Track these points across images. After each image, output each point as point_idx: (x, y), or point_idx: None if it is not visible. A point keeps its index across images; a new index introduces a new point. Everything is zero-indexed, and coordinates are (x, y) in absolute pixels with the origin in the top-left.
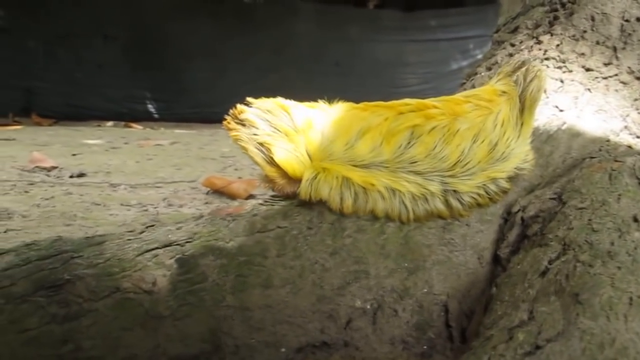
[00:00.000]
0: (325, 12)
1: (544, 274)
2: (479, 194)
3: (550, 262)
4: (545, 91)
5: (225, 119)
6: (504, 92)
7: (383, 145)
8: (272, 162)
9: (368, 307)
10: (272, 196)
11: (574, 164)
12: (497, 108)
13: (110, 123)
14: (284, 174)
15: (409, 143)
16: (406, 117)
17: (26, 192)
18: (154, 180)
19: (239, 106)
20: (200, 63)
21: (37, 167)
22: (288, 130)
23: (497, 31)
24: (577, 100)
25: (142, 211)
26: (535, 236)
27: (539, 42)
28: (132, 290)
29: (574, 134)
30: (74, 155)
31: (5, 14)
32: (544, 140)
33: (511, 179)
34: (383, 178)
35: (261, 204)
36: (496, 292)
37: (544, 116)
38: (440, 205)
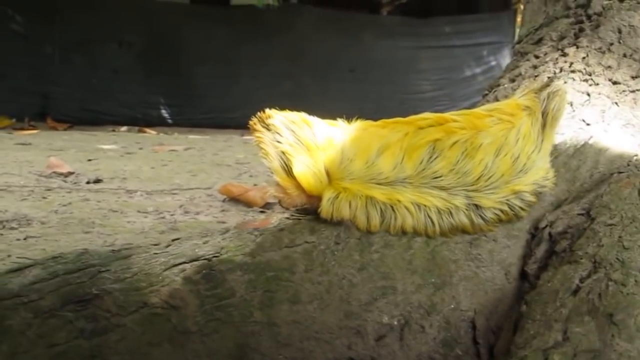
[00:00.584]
0: (339, 19)
1: (575, 292)
2: (502, 210)
3: (581, 280)
4: (571, 104)
5: (252, 120)
6: (527, 107)
7: (405, 161)
8: (289, 172)
9: (395, 323)
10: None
11: (601, 179)
12: (519, 122)
13: (124, 128)
14: (298, 186)
15: (430, 158)
16: (426, 131)
17: (44, 197)
18: (170, 186)
19: (268, 111)
20: (214, 69)
21: (54, 172)
22: (310, 145)
23: (519, 42)
24: (604, 113)
25: (159, 218)
26: (564, 253)
27: (565, 55)
28: (159, 306)
29: (602, 148)
30: (89, 160)
31: (23, 20)
32: (570, 155)
33: (535, 194)
34: (408, 194)
35: (287, 218)
36: (527, 310)
37: (571, 130)
38: (464, 219)
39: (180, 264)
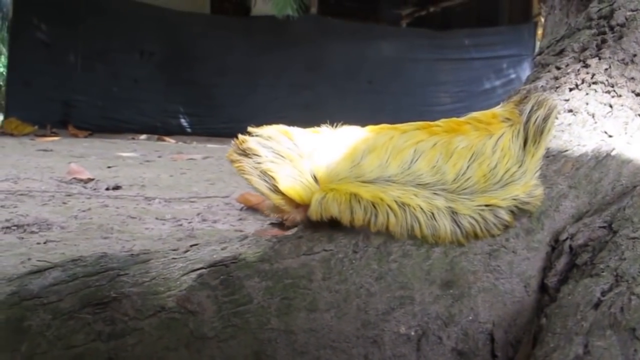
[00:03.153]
0: (358, 30)
1: (597, 306)
2: (476, 220)
3: (602, 294)
4: (593, 116)
5: (228, 153)
6: (507, 118)
7: (389, 162)
8: (277, 190)
9: (412, 333)
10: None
11: (624, 192)
12: (497, 132)
13: (143, 136)
14: (291, 201)
15: (413, 159)
16: (411, 134)
17: (64, 203)
18: (188, 194)
19: (241, 136)
20: (233, 79)
21: (74, 178)
22: (291, 156)
23: (540, 53)
24: (627, 125)
25: (176, 226)
26: (586, 266)
27: (587, 66)
28: (177, 310)
29: (624, 161)
30: (109, 167)
31: (48, 30)
32: (592, 167)
33: (513, 213)
34: (391, 192)
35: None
36: (547, 323)
37: (593, 142)
38: (446, 223)
39: (198, 269)
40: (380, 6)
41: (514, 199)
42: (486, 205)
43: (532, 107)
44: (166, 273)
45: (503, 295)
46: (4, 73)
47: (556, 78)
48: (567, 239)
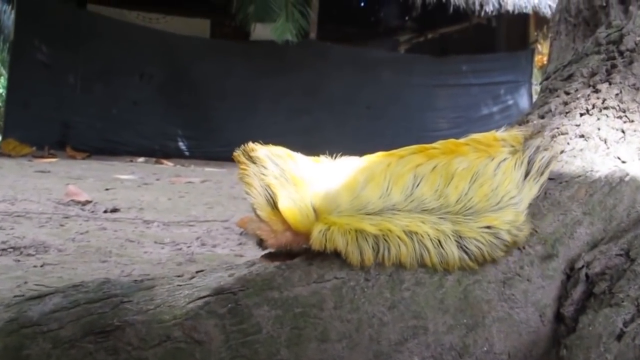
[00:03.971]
0: (357, 56)
1: (620, 337)
2: (482, 243)
3: (625, 325)
4: (605, 141)
5: (236, 152)
6: (508, 143)
7: (391, 189)
8: (274, 206)
9: None
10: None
11: (639, 218)
12: (498, 155)
13: (141, 159)
14: (283, 222)
15: (414, 183)
16: (408, 159)
17: (62, 225)
18: (187, 218)
19: (251, 144)
20: (232, 103)
21: (72, 200)
22: (296, 179)
23: (546, 79)
24: None
25: (176, 250)
26: (604, 295)
27: (597, 91)
28: (183, 340)
29: (639, 187)
30: (107, 189)
31: (48, 51)
32: (606, 193)
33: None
34: (399, 221)
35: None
36: (567, 355)
37: (606, 167)
38: (454, 249)
39: (205, 296)
40: (379, 32)
41: (511, 224)
42: (487, 227)
43: (540, 146)
44: (171, 300)
45: (518, 325)
46: (3, 94)
47: (565, 103)
48: (583, 267)
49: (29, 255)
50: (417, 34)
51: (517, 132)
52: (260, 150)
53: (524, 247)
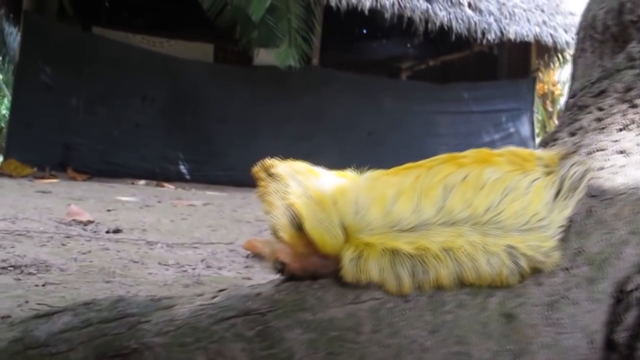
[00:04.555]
0: (359, 82)
1: None
2: (502, 263)
3: None
4: None
5: (255, 168)
6: (546, 164)
7: (422, 203)
8: (299, 227)
9: None
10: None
11: None
12: (532, 172)
13: (142, 181)
14: (309, 245)
15: (445, 195)
16: (437, 169)
17: (63, 245)
18: (190, 240)
19: (270, 160)
20: (234, 127)
21: (73, 220)
22: (320, 197)
23: (572, 96)
24: None
25: (181, 271)
26: None
27: (634, 106)
28: None
29: None
30: (108, 210)
31: (52, 73)
32: None
33: (531, 263)
34: (435, 237)
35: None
36: None
37: None
38: (484, 264)
39: (230, 317)
40: (381, 59)
41: (535, 250)
42: (512, 247)
43: (574, 162)
44: (194, 321)
45: (566, 352)
46: (6, 115)
47: (599, 119)
48: (633, 289)
49: (30, 274)
50: (418, 61)
51: (554, 152)
52: (280, 167)
53: (568, 268)
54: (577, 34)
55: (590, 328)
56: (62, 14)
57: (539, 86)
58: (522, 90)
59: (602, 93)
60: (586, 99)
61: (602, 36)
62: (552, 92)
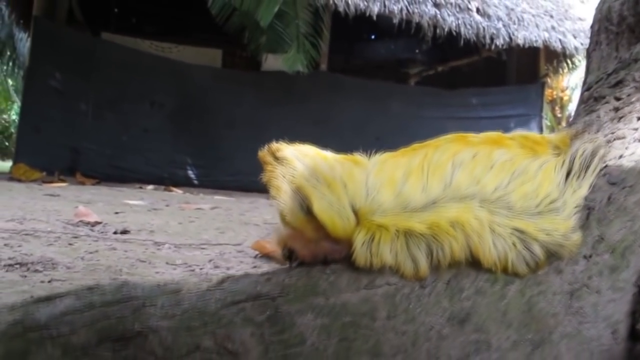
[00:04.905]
0: (367, 87)
1: None
2: (509, 248)
3: None
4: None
5: (261, 152)
6: (557, 147)
7: (430, 181)
8: (308, 211)
9: None
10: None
11: None
12: (543, 155)
13: (150, 186)
14: (319, 229)
15: (453, 172)
16: (446, 147)
17: (70, 244)
18: (198, 241)
19: (276, 144)
20: (242, 132)
21: (81, 221)
22: (329, 179)
23: (588, 89)
24: None
25: (188, 271)
26: None
27: None
28: (215, 350)
29: None
30: (116, 213)
31: (61, 78)
32: None
33: (545, 252)
34: (444, 213)
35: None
36: None
37: None
38: (490, 243)
39: (239, 301)
40: (389, 64)
41: (549, 234)
42: (521, 232)
43: (584, 141)
44: (201, 305)
45: (589, 343)
46: (16, 120)
47: (617, 109)
48: None
49: (36, 271)
50: (427, 66)
51: (564, 134)
52: (286, 150)
53: (590, 256)
54: (592, 27)
55: (614, 318)
56: (72, 20)
57: (547, 92)
58: (531, 96)
59: (619, 83)
60: (602, 89)
61: (617, 28)
62: (561, 98)
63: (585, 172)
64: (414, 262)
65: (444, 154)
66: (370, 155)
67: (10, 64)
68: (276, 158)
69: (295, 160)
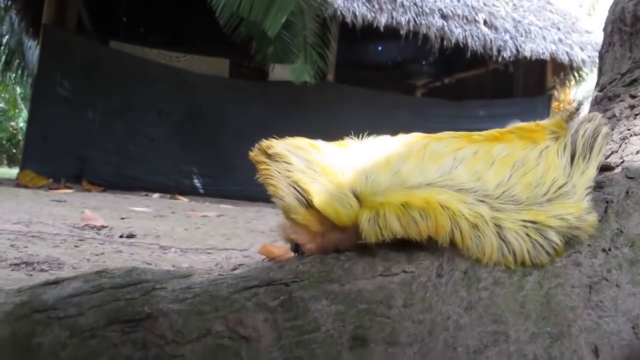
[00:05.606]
0: (374, 98)
1: None
2: (523, 239)
3: None
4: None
5: (253, 151)
6: (553, 131)
7: (428, 166)
8: (308, 205)
9: None
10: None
11: None
12: (541, 142)
13: (156, 195)
14: (323, 220)
15: (454, 165)
16: (450, 141)
17: (76, 246)
18: (204, 246)
19: (266, 141)
20: (248, 142)
21: (87, 225)
22: (326, 168)
23: (601, 90)
24: None
25: None
26: None
27: None
28: (226, 335)
29: None
30: (122, 218)
31: (70, 86)
32: None
33: (561, 235)
34: (437, 196)
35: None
36: None
37: None
38: (491, 235)
39: (252, 287)
40: (396, 76)
41: (563, 219)
42: (532, 222)
43: (582, 121)
44: (213, 290)
45: (608, 337)
46: (24, 127)
47: (632, 107)
48: None
49: (42, 270)
50: (434, 78)
51: (559, 117)
52: (277, 146)
53: (608, 249)
54: (604, 29)
55: (634, 312)
56: (81, 28)
57: (554, 104)
58: (538, 108)
59: (634, 82)
60: (617, 89)
61: (631, 28)
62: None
63: (590, 152)
64: (417, 224)
65: (447, 147)
66: (362, 141)
67: (19, 71)
68: (269, 155)
69: (289, 155)
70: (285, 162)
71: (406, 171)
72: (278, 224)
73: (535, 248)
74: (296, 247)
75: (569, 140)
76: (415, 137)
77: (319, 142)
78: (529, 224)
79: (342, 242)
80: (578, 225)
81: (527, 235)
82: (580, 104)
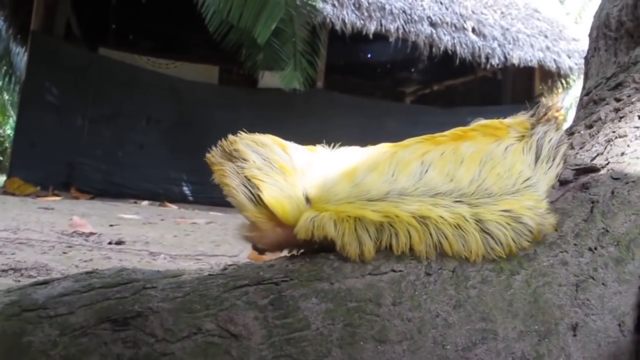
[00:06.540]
0: (363, 106)
1: None
2: (504, 227)
3: None
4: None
5: (210, 153)
6: (514, 128)
7: (397, 175)
8: (258, 202)
9: None
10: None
11: None
12: (505, 140)
13: (145, 202)
14: (271, 217)
15: (422, 170)
16: (415, 147)
17: (65, 253)
18: (194, 252)
19: (231, 137)
20: None
21: (75, 231)
22: (285, 168)
23: (587, 94)
24: None
25: None
26: None
27: None
28: (217, 333)
29: None
30: (111, 225)
31: (58, 93)
32: None
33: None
34: (406, 206)
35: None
36: None
37: None
38: (475, 233)
39: (242, 286)
40: (385, 83)
41: (531, 209)
42: (508, 211)
43: (548, 129)
44: (203, 289)
45: (596, 335)
46: (11, 134)
47: (617, 109)
48: None
49: (30, 276)
50: (423, 85)
51: (523, 119)
52: (238, 143)
53: (595, 248)
54: (590, 34)
55: (620, 310)
56: (69, 35)
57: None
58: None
59: (619, 85)
60: (602, 92)
61: (616, 33)
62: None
63: (554, 159)
64: (359, 243)
65: (413, 153)
66: (334, 148)
67: (7, 78)
68: (228, 153)
69: (248, 152)
70: (242, 159)
71: (370, 182)
72: (238, 224)
73: (517, 234)
74: (255, 248)
75: (534, 143)
76: (383, 148)
77: (289, 143)
78: (505, 213)
79: (289, 240)
80: (541, 222)
81: (508, 223)
82: (546, 107)
